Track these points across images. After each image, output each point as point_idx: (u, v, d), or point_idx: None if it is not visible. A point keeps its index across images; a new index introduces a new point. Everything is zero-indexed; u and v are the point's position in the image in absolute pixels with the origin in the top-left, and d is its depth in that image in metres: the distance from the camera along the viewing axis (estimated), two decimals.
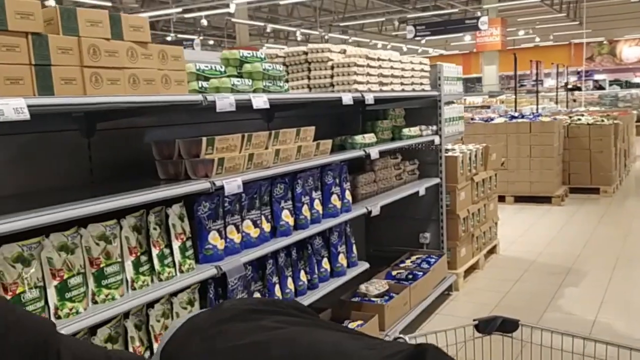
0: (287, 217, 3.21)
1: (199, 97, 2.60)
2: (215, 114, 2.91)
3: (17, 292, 2.00)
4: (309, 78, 4.04)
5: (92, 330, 2.28)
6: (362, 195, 4.28)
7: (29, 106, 1.90)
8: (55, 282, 2.12)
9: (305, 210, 3.35)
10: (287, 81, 4.10)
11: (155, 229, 2.53)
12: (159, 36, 22.35)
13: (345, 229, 3.82)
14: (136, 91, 2.37)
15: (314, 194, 3.49)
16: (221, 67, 3.15)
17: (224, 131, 2.97)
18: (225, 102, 2.71)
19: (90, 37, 2.19)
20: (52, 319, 2.11)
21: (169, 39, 21.56)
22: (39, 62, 2.02)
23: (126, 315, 2.41)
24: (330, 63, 3.97)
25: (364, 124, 4.55)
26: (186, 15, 20.54)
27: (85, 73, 2.17)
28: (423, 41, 25.68)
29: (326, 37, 24.83)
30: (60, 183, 2.74)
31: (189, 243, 2.67)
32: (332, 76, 3.97)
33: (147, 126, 3.16)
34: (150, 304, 2.50)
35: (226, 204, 2.87)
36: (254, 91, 3.14)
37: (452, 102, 6.03)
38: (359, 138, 3.96)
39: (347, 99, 3.65)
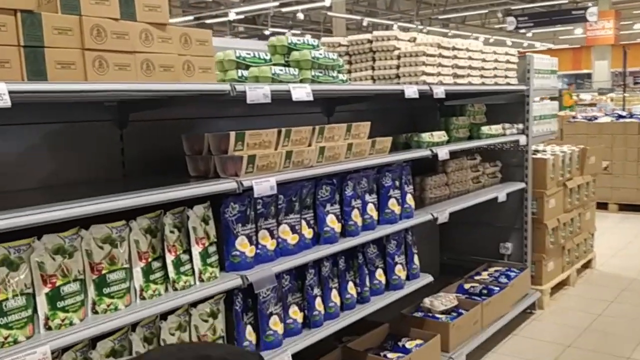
0: (332, 223, 2.87)
1: (225, 86, 2.32)
2: (271, 107, 2.63)
3: None
4: (373, 69, 3.68)
5: (93, 342, 2.07)
6: (430, 200, 3.86)
7: (11, 92, 1.69)
8: (46, 289, 1.91)
9: (355, 216, 3.00)
10: (349, 72, 3.76)
11: (172, 232, 2.28)
12: (257, 30, 22.59)
13: (405, 237, 3.42)
14: (149, 78, 2.12)
15: (368, 198, 3.13)
16: (266, 55, 2.86)
17: (276, 125, 2.68)
18: (257, 93, 2.41)
19: (94, 16, 1.96)
20: (42, 329, 1.90)
21: (267, 32, 21.72)
22: (30, 44, 1.81)
23: (133, 327, 2.17)
24: (396, 52, 3.58)
25: (438, 121, 4.12)
26: (284, 10, 20.58)
27: (87, 57, 1.94)
28: (529, 34, 24.35)
29: (425, 30, 24.12)
30: (90, 176, 2.56)
31: (212, 249, 2.40)
32: (398, 67, 3.58)
33: (191, 118, 2.93)
34: (164, 316, 2.25)
35: (259, 207, 2.57)
36: (301, 81, 2.82)
37: (549, 98, 5.44)
38: (425, 136, 3.55)
39: (410, 92, 3.26)
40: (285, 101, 2.57)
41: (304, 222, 2.77)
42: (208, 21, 20.21)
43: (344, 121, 3.05)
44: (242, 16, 20.28)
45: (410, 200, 3.38)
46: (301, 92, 2.60)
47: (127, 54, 2.05)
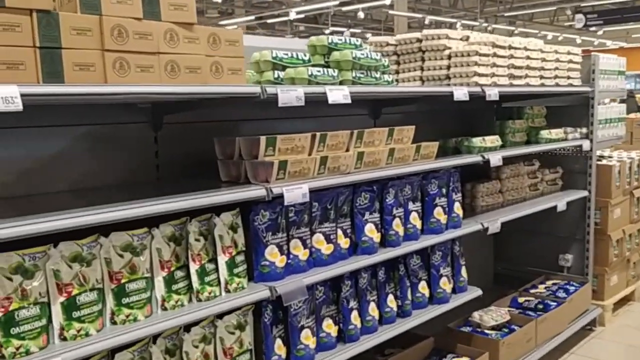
0: (371, 232, 2.72)
1: (255, 89, 2.21)
2: (311, 109, 2.50)
3: (10, 309, 1.74)
4: (422, 69, 3.50)
5: (112, 354, 1.99)
6: (482, 208, 3.65)
7: (23, 95, 1.63)
8: (61, 298, 1.84)
9: (397, 225, 2.83)
10: (397, 72, 3.59)
11: (197, 240, 2.18)
12: (318, 30, 22.54)
13: (452, 247, 3.23)
14: (174, 80, 2.04)
15: (411, 206, 2.96)
16: (305, 56, 2.73)
17: (316, 128, 2.55)
18: (290, 96, 2.29)
19: (115, 16, 1.88)
20: (57, 340, 1.84)
21: (327, 32, 21.65)
22: (46, 45, 1.74)
23: (155, 338, 2.09)
24: (447, 52, 3.39)
25: (494, 124, 3.89)
26: (344, 9, 20.45)
27: (107, 58, 1.87)
28: (600, 32, 23.32)
29: (490, 28, 23.48)
30: (125, 179, 2.51)
31: (240, 258, 2.29)
32: (448, 67, 3.39)
33: (227, 120, 2.84)
34: (187, 327, 2.16)
35: (291, 214, 2.45)
36: (340, 83, 2.69)
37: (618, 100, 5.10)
38: (477, 141, 3.34)
39: (460, 94, 3.06)
40: (325, 103, 2.44)
41: (340, 231, 2.63)
42: (269, 21, 20.33)
43: (392, 123, 2.89)
44: (302, 15, 20.29)
45: (458, 208, 3.19)
46: (338, 95, 2.46)
47: (150, 55, 1.97)
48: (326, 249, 2.57)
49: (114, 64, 1.88)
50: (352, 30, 23.01)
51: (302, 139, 2.40)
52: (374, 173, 2.67)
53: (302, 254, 2.48)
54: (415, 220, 2.96)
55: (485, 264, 4.57)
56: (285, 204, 2.28)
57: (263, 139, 2.29)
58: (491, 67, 3.40)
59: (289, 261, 2.44)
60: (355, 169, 2.60)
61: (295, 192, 2.30)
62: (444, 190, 3.11)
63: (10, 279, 1.75)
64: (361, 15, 20.13)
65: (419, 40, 3.49)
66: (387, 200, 2.81)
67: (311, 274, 2.47)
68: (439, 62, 3.41)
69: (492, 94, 3.26)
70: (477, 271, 3.48)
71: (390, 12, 19.61)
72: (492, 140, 3.44)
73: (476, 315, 3.63)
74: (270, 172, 2.28)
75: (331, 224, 2.60)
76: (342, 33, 21.59)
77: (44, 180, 2.26)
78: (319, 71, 2.59)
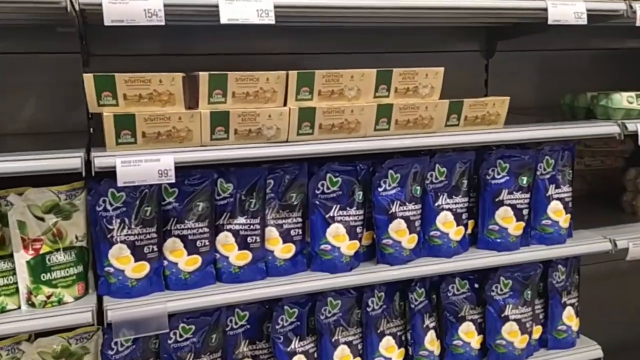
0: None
1: None
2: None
3: None
4: None
5: None
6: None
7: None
8: None
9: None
10: None
11: None
12: None
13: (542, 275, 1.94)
14: None
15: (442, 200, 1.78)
16: None
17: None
18: None
19: None
20: None
21: None
22: None
23: None
24: None
25: None
26: None
27: None
28: None
29: None
30: None
31: (61, 257, 1.52)
32: None
33: None
34: None
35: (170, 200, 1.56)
36: None
37: None
38: (619, 99, 1.90)
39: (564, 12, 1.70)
40: None
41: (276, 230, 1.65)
42: None
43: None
44: None
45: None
46: None
47: None
48: (237, 257, 1.62)
49: None
50: None
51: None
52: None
53: (187, 260, 1.59)
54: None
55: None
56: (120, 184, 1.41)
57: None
58: None
59: (154, 270, 1.57)
60: (378, 131, 1.59)
61: (142, 167, 1.41)
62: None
63: None
64: None
65: None
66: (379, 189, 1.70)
67: (186, 296, 1.56)
68: None
69: None
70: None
71: None
72: None
73: None
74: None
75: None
76: None
77: None
78: None
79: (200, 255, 1.59)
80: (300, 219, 1.67)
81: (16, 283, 1.49)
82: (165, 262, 1.58)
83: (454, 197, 1.79)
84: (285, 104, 1.55)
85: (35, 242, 1.47)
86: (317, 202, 1.66)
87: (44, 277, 1.48)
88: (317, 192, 1.66)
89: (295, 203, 1.66)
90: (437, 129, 1.69)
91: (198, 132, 1.48)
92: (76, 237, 1.52)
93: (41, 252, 1.47)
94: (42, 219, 1.47)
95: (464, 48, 2.31)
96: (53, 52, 1.90)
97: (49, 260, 1.48)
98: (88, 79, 1.41)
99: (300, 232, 1.68)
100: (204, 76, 1.46)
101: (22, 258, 1.47)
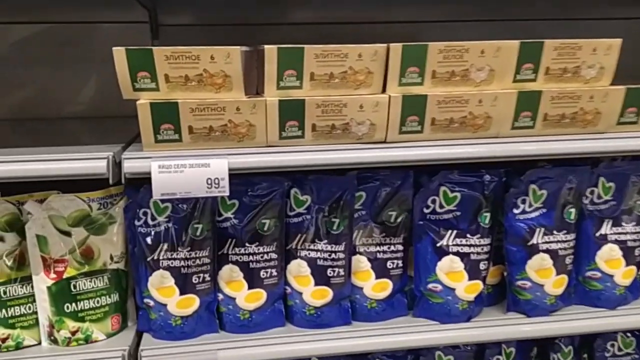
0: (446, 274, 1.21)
1: None
2: None
3: None
4: None
5: None
6: None
7: None
8: None
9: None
10: None
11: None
12: None
13: None
14: None
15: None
16: None
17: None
18: None
19: None
20: None
21: None
22: None
23: None
24: None
25: None
26: None
27: None
28: None
29: None
30: None
31: (88, 282, 1.19)
32: None
33: None
34: None
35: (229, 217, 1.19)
36: None
37: None
38: None
39: None
40: None
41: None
42: None
43: None
44: None
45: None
46: None
47: None
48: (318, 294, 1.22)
49: None
50: None
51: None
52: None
53: (248, 295, 1.21)
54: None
55: None
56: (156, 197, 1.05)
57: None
58: None
59: (205, 306, 1.20)
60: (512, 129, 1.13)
61: (185, 174, 1.05)
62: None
63: None
64: None
65: None
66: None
67: (244, 343, 1.19)
68: None
69: None
70: None
71: None
72: None
73: None
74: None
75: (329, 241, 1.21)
76: None
77: None
78: None
79: (264, 289, 1.21)
80: (401, 247, 1.24)
81: (36, 313, 1.19)
82: (220, 296, 1.21)
83: (623, 224, 1.26)
84: (384, 91, 1.11)
85: (59, 263, 1.16)
86: (426, 225, 1.21)
87: (67, 307, 1.17)
88: (425, 210, 1.21)
89: (394, 225, 1.22)
90: (606, 128, 1.18)
91: (263, 128, 1.09)
92: (111, 258, 1.20)
93: (65, 275, 1.16)
94: (67, 234, 1.16)
95: None
96: (116, 21, 1.59)
97: (75, 286, 1.17)
98: (119, 53, 1.05)
99: (401, 265, 1.24)
100: (270, 50, 1.06)
101: (42, 283, 1.17)
